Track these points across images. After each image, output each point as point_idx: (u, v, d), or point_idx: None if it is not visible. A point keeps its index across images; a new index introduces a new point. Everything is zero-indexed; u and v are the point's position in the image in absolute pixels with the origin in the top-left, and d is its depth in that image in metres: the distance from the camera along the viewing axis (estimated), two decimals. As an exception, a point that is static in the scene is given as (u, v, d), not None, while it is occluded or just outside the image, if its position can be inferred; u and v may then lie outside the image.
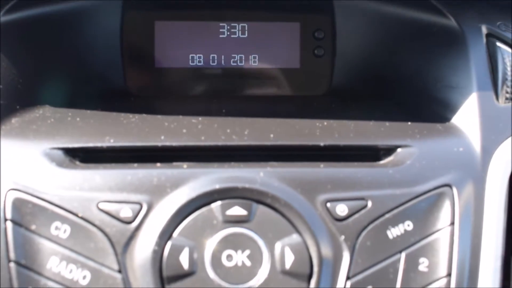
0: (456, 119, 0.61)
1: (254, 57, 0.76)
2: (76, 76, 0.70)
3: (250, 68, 0.77)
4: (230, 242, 0.51)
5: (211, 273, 0.50)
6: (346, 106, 0.70)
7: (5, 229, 0.51)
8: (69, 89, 0.68)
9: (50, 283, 0.50)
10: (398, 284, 0.51)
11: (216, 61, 0.76)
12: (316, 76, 0.77)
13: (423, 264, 0.52)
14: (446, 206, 0.54)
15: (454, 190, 0.55)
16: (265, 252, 0.51)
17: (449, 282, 0.52)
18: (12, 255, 0.50)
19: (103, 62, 0.74)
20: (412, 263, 0.52)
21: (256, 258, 0.51)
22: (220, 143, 0.56)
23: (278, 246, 0.51)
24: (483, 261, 0.53)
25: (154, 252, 0.50)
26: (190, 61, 0.76)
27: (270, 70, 0.77)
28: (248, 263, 0.51)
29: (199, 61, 0.76)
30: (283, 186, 0.53)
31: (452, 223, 0.53)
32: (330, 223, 0.52)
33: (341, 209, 0.53)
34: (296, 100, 0.75)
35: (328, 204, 0.53)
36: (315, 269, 0.51)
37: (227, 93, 0.76)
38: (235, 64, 0.76)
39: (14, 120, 0.59)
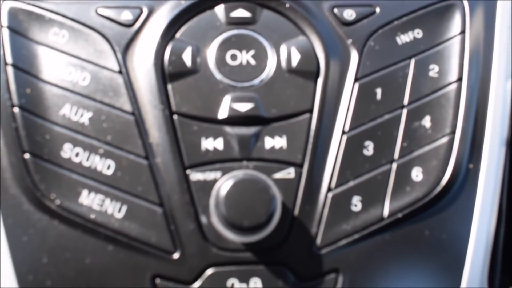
0: None
1: None
2: None
3: None
4: (234, 43, 0.49)
5: (215, 71, 0.49)
6: None
7: (1, 35, 0.49)
8: None
9: (49, 87, 0.48)
10: (408, 87, 0.50)
11: None
12: None
13: (433, 70, 0.51)
14: (457, 17, 0.52)
15: (465, 3, 0.53)
16: (270, 51, 0.49)
17: (460, 87, 0.50)
18: (9, 59, 0.49)
19: None
20: (421, 69, 0.51)
21: (261, 57, 0.49)
22: None
23: (283, 46, 0.49)
24: (494, 68, 0.52)
25: (156, 51, 0.49)
26: None
27: None
28: (253, 62, 0.49)
29: None
30: None
31: (463, 32, 0.52)
32: (338, 27, 0.51)
33: (349, 14, 0.51)
34: None
35: (335, 10, 0.51)
36: (322, 68, 0.49)
37: None
38: None
39: None
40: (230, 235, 0.46)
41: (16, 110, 0.48)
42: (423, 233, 0.48)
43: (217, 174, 0.47)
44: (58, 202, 0.46)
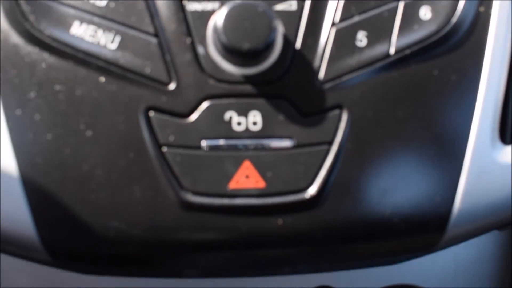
0: None
1: None
2: None
3: None
4: None
5: None
6: None
7: None
8: None
9: None
10: None
11: None
12: None
13: None
14: None
15: None
16: None
17: None
18: None
19: None
20: None
21: None
22: None
23: None
24: None
25: None
26: None
27: None
28: None
29: None
30: None
31: None
32: None
33: None
34: None
35: None
36: None
37: None
38: None
39: None
40: (228, 67, 0.44)
41: None
42: (431, 73, 0.46)
43: (215, 4, 0.44)
44: (48, 32, 0.44)
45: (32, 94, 0.44)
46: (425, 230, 0.47)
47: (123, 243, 0.45)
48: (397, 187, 0.46)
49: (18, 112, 0.44)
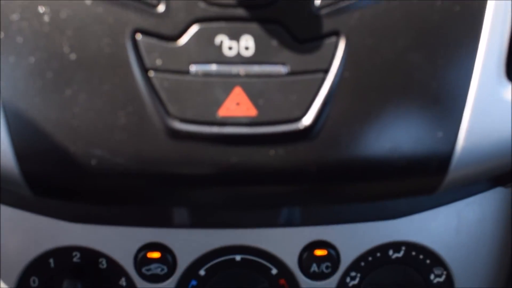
0: None
1: None
2: None
3: None
4: None
5: None
6: None
7: None
8: None
9: None
10: None
11: None
12: None
13: None
14: None
15: None
16: None
17: None
18: None
19: None
20: None
21: None
22: None
23: None
24: None
25: None
26: None
27: None
28: None
29: None
30: None
31: None
32: None
33: None
34: None
35: None
36: None
37: None
38: None
39: None
40: None
41: None
42: (433, 2, 0.43)
43: None
44: None
45: (15, 16, 0.42)
46: (427, 168, 0.44)
47: (106, 173, 0.42)
48: (397, 121, 0.43)
49: (1, 35, 0.42)
